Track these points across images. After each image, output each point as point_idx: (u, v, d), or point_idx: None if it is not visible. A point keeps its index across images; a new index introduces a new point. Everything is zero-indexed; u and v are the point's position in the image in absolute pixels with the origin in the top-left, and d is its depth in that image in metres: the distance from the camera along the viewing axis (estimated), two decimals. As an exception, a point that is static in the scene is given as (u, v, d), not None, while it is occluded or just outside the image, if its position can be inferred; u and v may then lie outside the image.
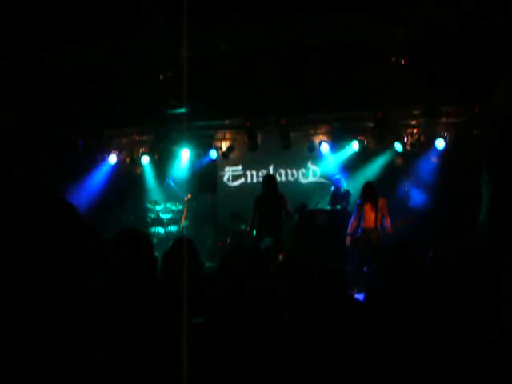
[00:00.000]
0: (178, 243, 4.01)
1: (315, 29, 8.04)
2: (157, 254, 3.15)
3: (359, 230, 9.01)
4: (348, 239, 9.11)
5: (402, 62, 8.50)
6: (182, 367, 2.20)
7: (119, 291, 2.66)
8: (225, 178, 12.46)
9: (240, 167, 12.37)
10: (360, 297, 4.91)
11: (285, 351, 2.76)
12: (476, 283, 2.92)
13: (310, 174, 12.01)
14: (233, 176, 12.44)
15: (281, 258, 8.05)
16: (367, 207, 8.92)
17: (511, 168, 6.28)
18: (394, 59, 8.52)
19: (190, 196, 10.76)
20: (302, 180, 12.05)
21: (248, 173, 12.33)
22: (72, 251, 1.50)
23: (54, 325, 1.43)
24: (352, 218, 9.23)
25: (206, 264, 7.72)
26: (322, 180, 11.83)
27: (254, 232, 8.77)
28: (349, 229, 9.15)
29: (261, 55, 8.84)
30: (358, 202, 9.16)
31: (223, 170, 12.46)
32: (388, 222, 8.84)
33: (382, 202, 8.91)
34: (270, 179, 9.06)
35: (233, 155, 12.25)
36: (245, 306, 2.70)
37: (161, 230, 11.75)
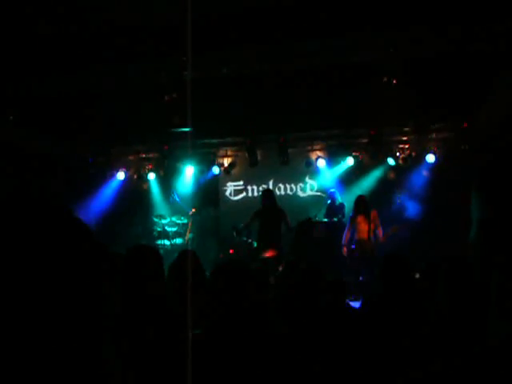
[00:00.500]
0: (183, 256, 4.03)
1: (312, 52, 8.13)
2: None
3: (353, 242, 9.03)
4: (344, 250, 9.15)
5: (394, 81, 8.55)
6: (186, 375, 2.21)
7: (130, 305, 2.68)
8: (227, 193, 12.50)
9: (241, 182, 12.42)
10: (356, 305, 4.92)
11: (283, 360, 2.76)
12: (467, 294, 2.94)
13: (308, 188, 12.05)
14: (234, 191, 12.49)
15: (281, 268, 8.03)
16: (360, 219, 8.98)
17: (501, 190, 6.30)
18: (385, 79, 8.57)
19: (194, 210, 10.79)
20: (300, 194, 12.09)
21: (249, 187, 12.38)
22: (84, 268, 1.53)
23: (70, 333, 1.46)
24: (346, 230, 9.29)
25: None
26: (319, 193, 11.85)
27: (254, 244, 8.79)
28: (343, 240, 9.21)
29: (260, 77, 8.93)
30: (351, 214, 9.20)
31: (225, 185, 12.51)
32: (380, 232, 8.89)
33: (373, 213, 8.99)
34: (268, 194, 9.09)
35: (234, 171, 12.32)
36: (238, 317, 2.70)
37: (167, 242, 11.78)
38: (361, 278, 8.78)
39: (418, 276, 4.23)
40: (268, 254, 8.56)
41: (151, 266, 2.77)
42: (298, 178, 12.08)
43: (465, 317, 2.88)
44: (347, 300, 4.78)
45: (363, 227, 8.94)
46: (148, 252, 2.87)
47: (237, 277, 2.73)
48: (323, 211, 10.63)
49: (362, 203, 9.05)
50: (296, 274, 3.90)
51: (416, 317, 3.26)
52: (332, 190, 10.73)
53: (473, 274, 3.06)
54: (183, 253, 4.13)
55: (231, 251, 10.96)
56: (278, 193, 11.68)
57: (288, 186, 12.14)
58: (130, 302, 2.59)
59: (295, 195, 12.13)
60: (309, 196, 12.06)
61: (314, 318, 3.53)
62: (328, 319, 3.60)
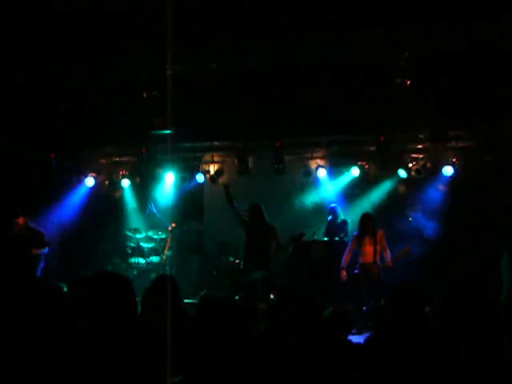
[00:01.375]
0: (160, 283, 3.97)
1: (313, 47, 8.09)
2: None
3: (358, 265, 9.00)
4: (342, 274, 9.08)
5: (407, 82, 8.57)
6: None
7: (96, 342, 2.63)
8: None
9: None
10: (359, 340, 4.88)
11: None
12: (491, 339, 2.89)
13: (308, 202, 11.97)
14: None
15: (272, 296, 8.03)
16: (365, 240, 8.94)
17: None
18: (398, 80, 8.58)
19: (174, 225, 10.74)
20: (298, 209, 12.03)
21: None
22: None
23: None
24: (346, 251, 9.23)
25: (189, 300, 7.68)
26: (319, 208, 11.83)
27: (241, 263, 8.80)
28: (342, 262, 9.15)
29: (253, 73, 8.89)
30: (355, 233, 9.17)
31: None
32: (388, 255, 8.86)
33: (380, 234, 8.96)
34: (256, 209, 9.07)
35: (222, 180, 12.24)
36: (224, 364, 2.66)
37: (141, 260, 11.70)
38: (364, 308, 8.75)
39: (429, 309, 4.20)
40: (255, 276, 8.59)
41: (119, 299, 2.71)
42: (296, 190, 12.04)
43: (485, 364, 2.84)
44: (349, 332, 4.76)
45: (369, 249, 8.90)
46: (115, 282, 2.80)
47: (223, 319, 2.69)
48: (322, 229, 10.61)
49: (368, 222, 9.02)
50: (290, 305, 3.87)
51: (429, 361, 3.22)
52: (333, 205, 10.68)
53: (498, 317, 3.01)
54: (159, 280, 4.07)
55: (214, 272, 10.95)
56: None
57: (285, 200, 12.11)
58: (94, 344, 2.53)
59: (291, 210, 12.11)
60: (308, 211, 12.04)
61: (311, 358, 3.50)
62: (327, 358, 3.57)
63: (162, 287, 3.92)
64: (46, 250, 9.66)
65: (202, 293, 5.49)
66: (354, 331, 8.16)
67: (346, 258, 9.15)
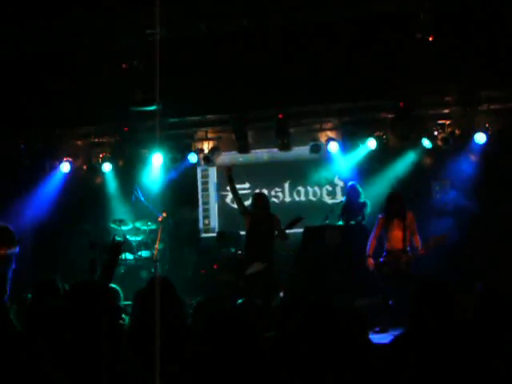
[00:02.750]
0: (152, 288, 3.93)
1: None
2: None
3: (383, 253, 8.97)
4: (369, 262, 9.04)
5: (430, 38, 8.52)
6: None
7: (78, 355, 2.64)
8: (228, 199, 12.39)
9: (247, 185, 12.33)
10: (384, 338, 4.88)
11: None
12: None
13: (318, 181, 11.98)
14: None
15: (281, 295, 8.08)
16: (393, 224, 8.88)
17: None
18: (419, 35, 8.53)
19: (165, 215, 10.73)
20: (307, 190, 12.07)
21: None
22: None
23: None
24: (371, 236, 9.18)
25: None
26: (331, 188, 11.87)
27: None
28: (368, 249, 9.11)
29: (251, 35, 8.85)
30: (381, 215, 9.12)
31: (226, 190, 12.43)
32: (417, 241, 8.81)
33: (410, 216, 8.88)
34: (261, 197, 9.20)
35: (236, 172, 12.24)
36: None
37: (129, 256, 11.70)
38: (390, 302, 8.74)
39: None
40: (255, 269, 8.65)
41: (101, 315, 2.70)
42: (302, 167, 12.04)
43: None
44: (371, 333, 4.76)
45: (397, 234, 8.83)
46: (96, 294, 2.78)
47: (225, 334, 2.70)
48: (337, 211, 10.59)
49: (396, 202, 8.96)
50: (301, 308, 3.87)
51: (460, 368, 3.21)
52: (352, 183, 10.61)
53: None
54: (151, 284, 4.02)
55: (215, 266, 10.96)
56: (297, 199, 11.98)
57: (310, 190, 12.12)
58: (72, 365, 2.53)
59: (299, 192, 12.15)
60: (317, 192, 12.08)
61: (327, 366, 3.50)
62: (346, 365, 3.56)
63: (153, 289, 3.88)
64: (16, 249, 9.62)
65: (194, 301, 5.51)
66: (377, 329, 8.20)
67: (371, 245, 9.10)
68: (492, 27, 8.62)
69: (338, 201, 11.40)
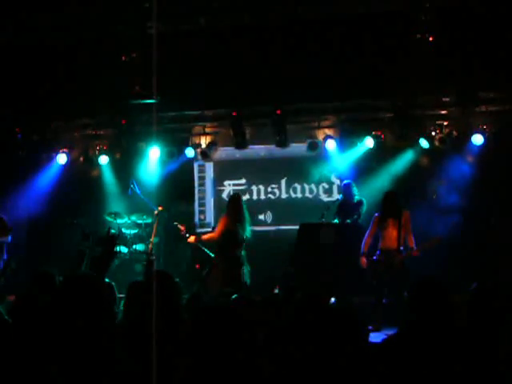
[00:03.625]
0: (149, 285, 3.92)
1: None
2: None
3: (377, 251, 9.00)
4: (362, 260, 9.10)
5: (430, 38, 8.53)
6: None
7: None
8: (224, 195, 12.41)
9: (243, 181, 12.36)
10: (377, 338, 4.89)
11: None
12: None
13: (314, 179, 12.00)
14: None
15: (276, 291, 8.09)
16: (388, 223, 8.92)
17: None
18: (418, 35, 8.55)
19: (161, 208, 10.73)
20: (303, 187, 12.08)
21: (254, 188, 12.36)
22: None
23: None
24: (366, 235, 9.24)
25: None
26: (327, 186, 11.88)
27: None
28: (362, 247, 9.17)
29: (250, 30, 8.85)
30: (377, 214, 9.16)
31: (223, 185, 12.45)
32: (411, 241, 8.85)
33: (406, 215, 8.93)
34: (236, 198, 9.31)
35: (233, 167, 12.31)
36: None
37: (124, 249, 11.70)
38: (384, 301, 8.78)
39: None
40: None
41: (95, 309, 2.70)
42: (299, 164, 12.06)
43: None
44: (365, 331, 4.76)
45: (391, 233, 8.88)
46: (91, 287, 2.78)
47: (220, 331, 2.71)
48: (333, 209, 10.60)
49: (392, 201, 9.02)
50: (290, 305, 3.89)
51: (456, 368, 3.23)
52: (347, 182, 10.63)
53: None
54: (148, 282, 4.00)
55: (197, 266, 10.93)
56: (293, 195, 11.97)
57: (307, 187, 12.13)
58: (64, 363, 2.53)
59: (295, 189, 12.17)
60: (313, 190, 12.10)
61: (317, 366, 3.51)
62: (336, 363, 3.57)
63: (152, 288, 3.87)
64: (8, 238, 9.59)
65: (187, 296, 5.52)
66: (370, 328, 8.22)
67: (366, 243, 9.16)
68: (491, 29, 8.63)
69: (335, 199, 11.36)
